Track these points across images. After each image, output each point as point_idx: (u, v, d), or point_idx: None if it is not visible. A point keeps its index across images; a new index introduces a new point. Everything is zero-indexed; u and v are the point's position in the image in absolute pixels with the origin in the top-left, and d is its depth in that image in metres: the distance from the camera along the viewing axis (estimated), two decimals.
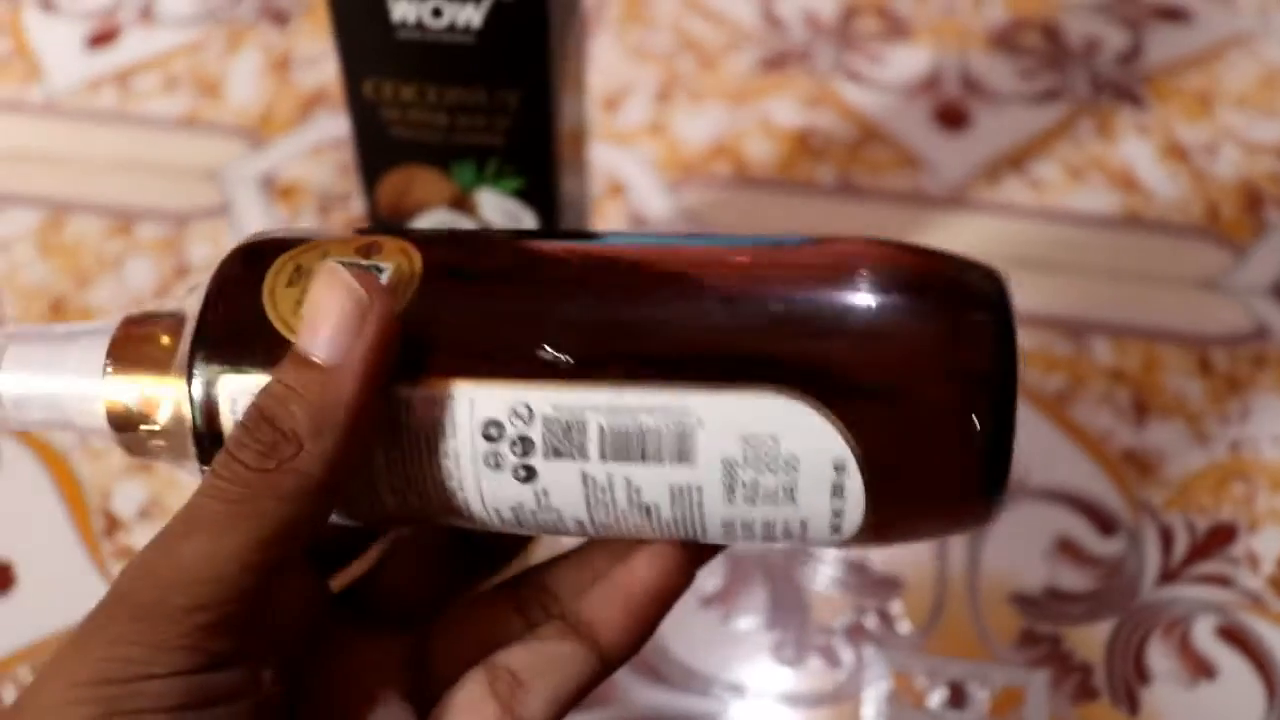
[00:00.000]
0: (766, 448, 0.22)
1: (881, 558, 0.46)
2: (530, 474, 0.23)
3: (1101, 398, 0.51)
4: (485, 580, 0.29)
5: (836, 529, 0.23)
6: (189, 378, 0.24)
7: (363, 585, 0.29)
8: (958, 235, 0.58)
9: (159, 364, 0.24)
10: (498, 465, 0.23)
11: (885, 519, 0.23)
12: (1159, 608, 0.45)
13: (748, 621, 0.44)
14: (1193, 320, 0.54)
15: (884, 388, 0.22)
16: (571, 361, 0.23)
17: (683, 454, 0.22)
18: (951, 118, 0.64)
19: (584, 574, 0.27)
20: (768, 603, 0.45)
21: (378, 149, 0.40)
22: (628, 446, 0.23)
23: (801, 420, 0.22)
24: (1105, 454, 0.49)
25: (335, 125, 0.63)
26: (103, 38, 0.68)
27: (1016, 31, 0.69)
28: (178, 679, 0.21)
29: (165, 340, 0.25)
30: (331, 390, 0.22)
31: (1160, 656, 0.43)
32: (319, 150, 0.61)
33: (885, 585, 0.45)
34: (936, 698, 0.42)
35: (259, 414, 0.22)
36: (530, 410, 0.23)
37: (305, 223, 0.58)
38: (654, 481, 0.23)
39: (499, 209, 0.40)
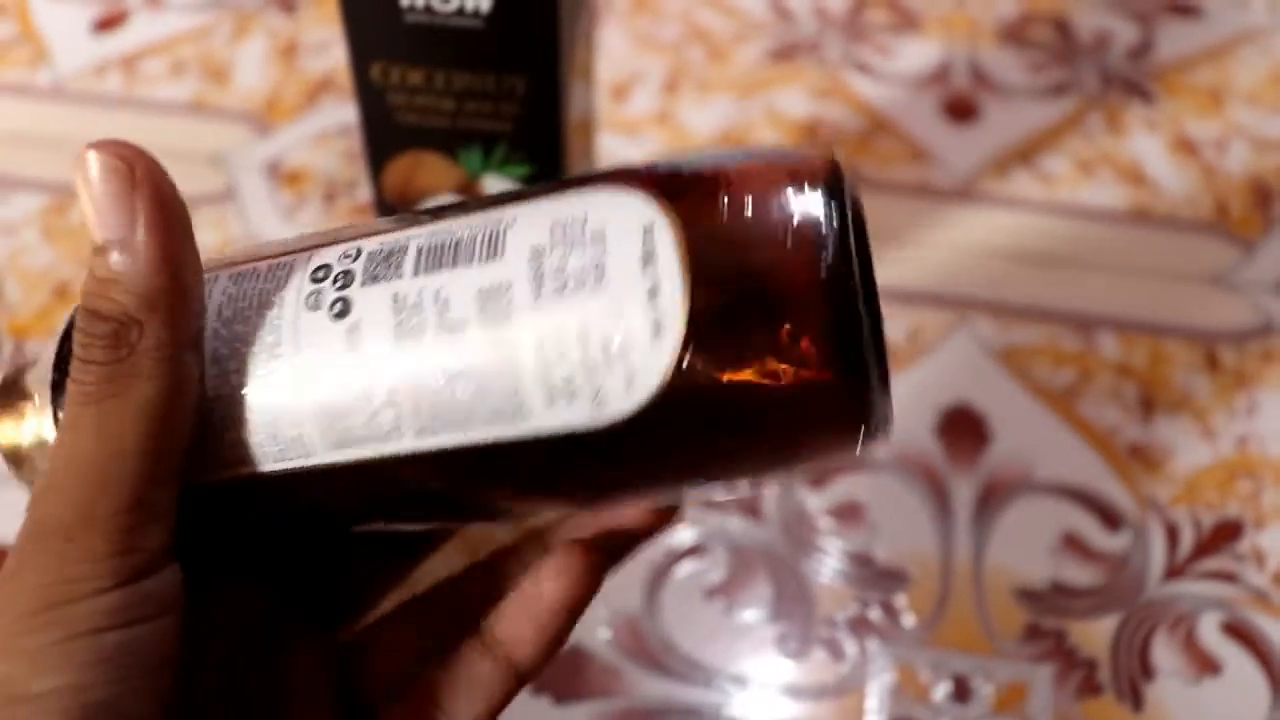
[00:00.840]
0: (575, 228, 0.22)
1: (886, 551, 0.46)
2: (345, 308, 0.22)
3: (1109, 393, 0.51)
4: (403, 575, 0.30)
5: (658, 328, 0.21)
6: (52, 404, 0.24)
7: (294, 586, 0.29)
8: (965, 228, 0.57)
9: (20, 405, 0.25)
10: (316, 305, 0.23)
11: (710, 306, 0.21)
12: (1164, 604, 0.45)
13: (752, 614, 0.44)
14: (1200, 316, 0.54)
15: (705, 177, 0.22)
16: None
17: (492, 251, 0.22)
18: (961, 110, 0.64)
19: (495, 585, 0.28)
20: (772, 595, 0.45)
21: (385, 134, 0.39)
22: (440, 257, 0.22)
23: (611, 197, 0.22)
24: (1112, 449, 0.49)
25: (342, 112, 0.62)
26: (109, 22, 0.68)
27: (1026, 25, 0.69)
28: (124, 589, 0.21)
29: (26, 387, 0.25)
30: (140, 261, 0.21)
31: (1165, 652, 0.43)
32: (325, 137, 0.61)
33: (890, 578, 0.45)
34: (940, 691, 0.42)
35: (89, 314, 0.22)
36: (359, 250, 0.23)
37: (310, 209, 0.58)
38: (463, 288, 0.22)
39: None
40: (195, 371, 0.23)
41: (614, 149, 0.61)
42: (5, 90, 0.64)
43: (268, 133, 0.62)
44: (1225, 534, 0.47)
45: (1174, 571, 0.45)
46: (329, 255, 0.23)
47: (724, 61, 0.66)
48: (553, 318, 0.21)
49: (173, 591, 0.22)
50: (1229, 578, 0.45)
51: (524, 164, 0.39)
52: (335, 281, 0.23)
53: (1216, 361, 0.52)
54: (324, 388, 0.22)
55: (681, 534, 0.46)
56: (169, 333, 0.22)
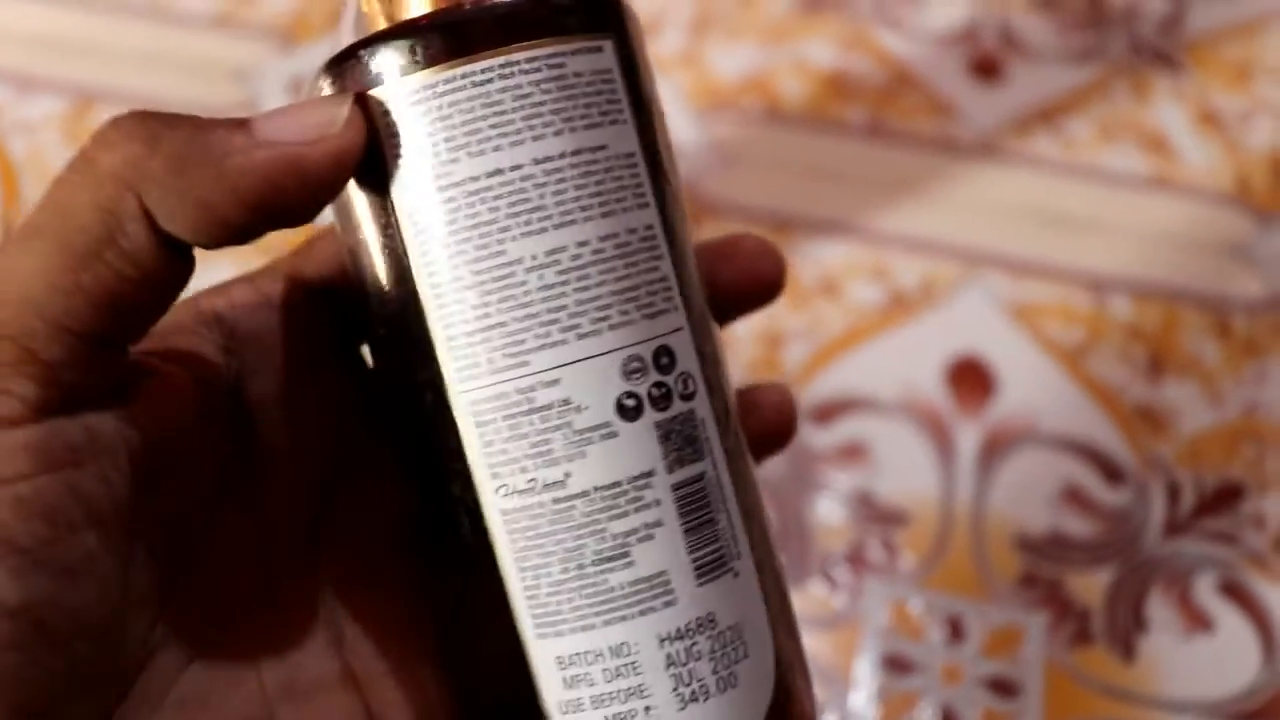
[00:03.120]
0: None
1: (888, 491, 0.46)
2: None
3: (1118, 353, 0.51)
4: None
5: None
6: None
7: None
8: (984, 184, 0.57)
9: None
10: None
11: None
12: (1162, 560, 0.45)
13: None
14: (1215, 284, 0.54)
15: None
16: None
17: None
18: (987, 69, 0.63)
19: None
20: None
21: None
22: None
23: None
24: (1118, 407, 0.49)
25: None
26: None
27: None
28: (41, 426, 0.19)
29: None
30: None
31: (1159, 607, 0.43)
32: None
33: (890, 518, 0.45)
34: (934, 631, 0.42)
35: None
36: None
37: None
38: None
39: None
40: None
41: None
42: None
43: (292, 50, 0.62)
44: (1227, 496, 0.47)
45: (1173, 529, 0.46)
46: None
47: (752, 7, 0.66)
48: None
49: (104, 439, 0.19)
50: (1228, 539, 0.45)
51: None
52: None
53: (1228, 329, 0.52)
54: None
55: None
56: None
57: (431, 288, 0.21)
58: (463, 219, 0.21)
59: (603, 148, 0.21)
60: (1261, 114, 0.62)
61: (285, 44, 0.62)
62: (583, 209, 0.21)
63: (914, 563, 0.44)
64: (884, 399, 0.49)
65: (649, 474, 0.21)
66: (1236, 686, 0.42)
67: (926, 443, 0.47)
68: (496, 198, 0.21)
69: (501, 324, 0.21)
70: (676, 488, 0.21)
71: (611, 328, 0.21)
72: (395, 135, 0.21)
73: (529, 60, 0.21)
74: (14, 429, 0.18)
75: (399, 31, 0.21)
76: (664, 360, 0.21)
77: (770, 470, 0.46)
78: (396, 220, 0.21)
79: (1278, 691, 0.42)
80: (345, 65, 0.22)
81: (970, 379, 0.49)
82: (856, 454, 0.47)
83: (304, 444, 0.23)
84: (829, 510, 0.45)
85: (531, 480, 0.21)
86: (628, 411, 0.21)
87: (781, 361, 0.50)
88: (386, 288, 0.22)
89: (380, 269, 0.22)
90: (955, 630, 0.42)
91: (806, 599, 0.43)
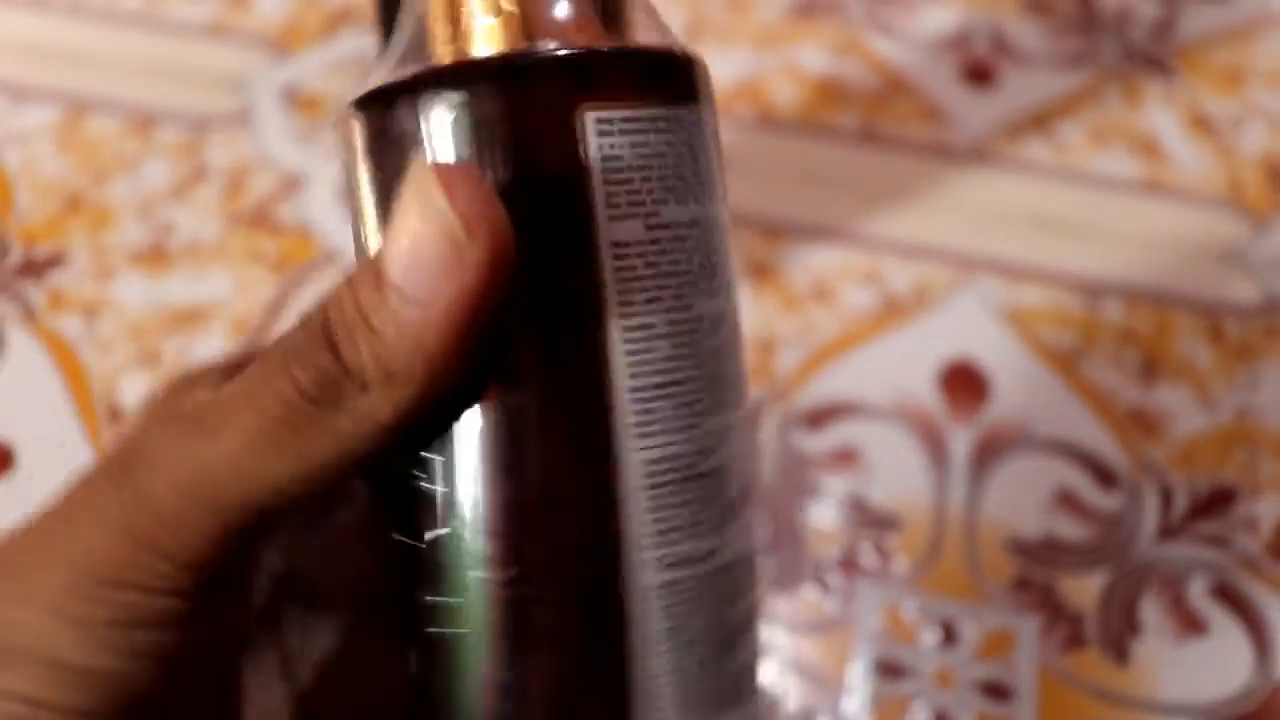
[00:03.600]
0: None
1: (881, 496, 0.46)
2: None
3: (1111, 357, 0.51)
4: None
5: None
6: None
7: None
8: (977, 189, 0.57)
9: None
10: None
11: None
12: (1155, 563, 0.45)
13: None
14: (1207, 289, 0.54)
15: None
16: None
17: None
18: (979, 74, 0.64)
19: None
20: (765, 533, 0.45)
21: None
22: None
23: None
24: (1111, 411, 0.49)
25: (361, 41, 0.62)
26: None
27: None
28: (197, 604, 0.19)
29: None
30: (409, 336, 0.18)
31: (1153, 611, 0.43)
32: (343, 65, 0.61)
33: (883, 523, 0.45)
34: (927, 635, 0.42)
35: (323, 331, 0.19)
36: None
37: (325, 135, 0.58)
38: None
39: None
40: (391, 445, 0.20)
41: None
42: (22, 2, 0.64)
43: (285, 58, 0.62)
44: (1220, 500, 0.47)
45: (1166, 532, 0.46)
46: None
47: (744, 13, 0.66)
48: None
49: (238, 631, 0.20)
50: (1221, 543, 0.45)
51: None
52: None
53: (1221, 333, 0.52)
54: None
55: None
56: (391, 416, 0.19)
57: (623, 331, 0.20)
58: (666, 264, 0.20)
59: (722, 217, 0.22)
60: (1253, 118, 0.62)
61: (278, 52, 0.62)
62: (731, 277, 0.21)
63: (907, 567, 0.44)
64: (877, 403, 0.49)
65: (755, 552, 0.21)
66: (1230, 690, 0.42)
67: (919, 447, 0.47)
68: (693, 248, 0.20)
69: (681, 381, 0.20)
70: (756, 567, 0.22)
71: (741, 397, 0.21)
72: (607, 160, 0.20)
73: (690, 114, 0.21)
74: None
75: (582, 60, 0.20)
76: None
77: (764, 472, 0.46)
78: (599, 256, 0.20)
79: (1271, 694, 0.41)
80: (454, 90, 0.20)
81: (963, 383, 0.49)
82: (849, 458, 0.47)
83: None
84: (822, 515, 0.45)
85: (693, 549, 0.20)
86: (748, 484, 0.21)
87: (774, 367, 0.50)
88: (554, 337, 0.20)
89: (550, 314, 0.20)
90: (948, 634, 0.42)
91: (799, 603, 0.43)
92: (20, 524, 0.20)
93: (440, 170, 0.18)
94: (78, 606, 0.18)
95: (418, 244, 0.18)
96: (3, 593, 0.19)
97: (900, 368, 0.50)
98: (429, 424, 0.20)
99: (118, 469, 0.19)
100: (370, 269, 0.19)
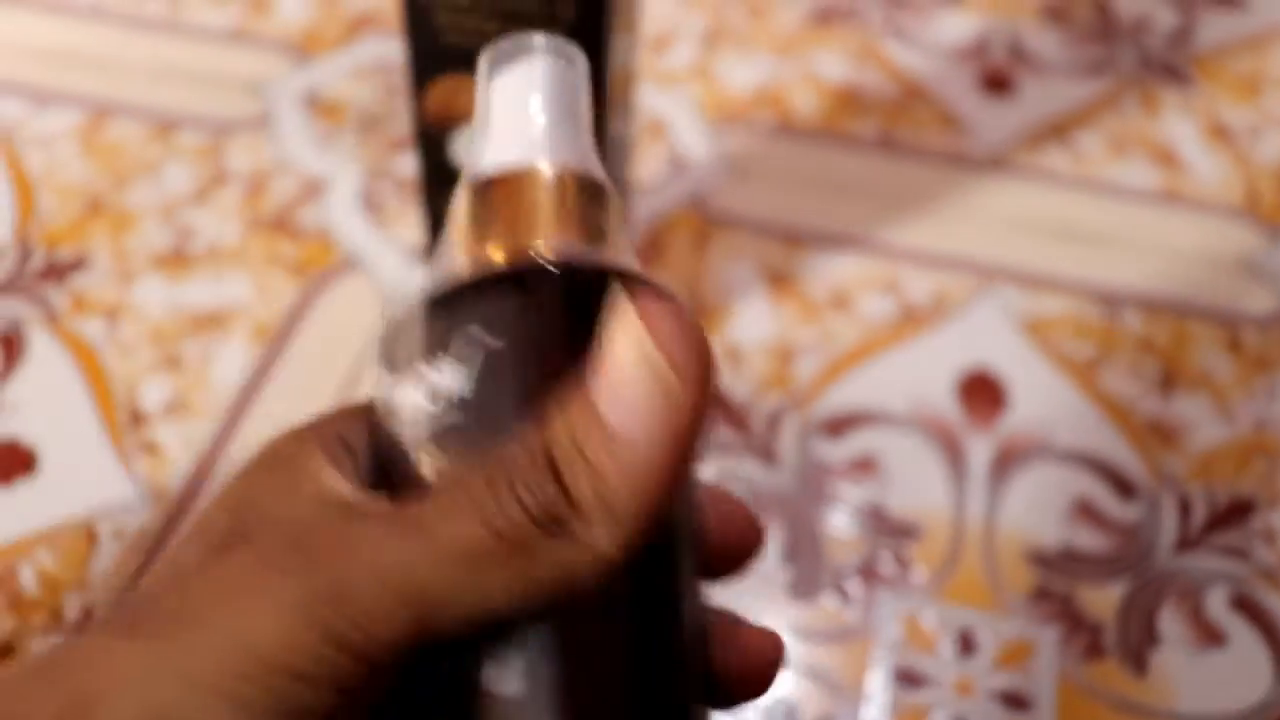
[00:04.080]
0: None
1: (900, 505, 0.46)
2: None
3: (1129, 367, 0.51)
4: None
5: None
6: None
7: None
8: (995, 197, 0.57)
9: None
10: None
11: None
12: (1173, 574, 0.45)
13: (763, 557, 0.44)
14: (1225, 298, 0.54)
15: None
16: None
17: None
18: (997, 83, 0.64)
19: None
20: (784, 539, 0.45)
21: (429, 54, 0.40)
22: None
23: None
24: (1130, 421, 0.49)
25: (381, 47, 0.63)
26: None
27: (1068, 4, 0.69)
28: (344, 698, 0.18)
29: None
30: (629, 478, 0.19)
31: (1171, 622, 0.43)
32: (363, 71, 0.61)
33: (902, 531, 0.45)
34: (946, 645, 0.43)
35: (548, 461, 0.19)
36: None
37: (344, 141, 0.58)
38: None
39: None
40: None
41: (650, 99, 0.61)
42: (45, 6, 0.64)
43: (306, 64, 0.62)
44: (1238, 510, 0.47)
45: (1185, 543, 0.46)
46: None
47: (764, 20, 0.66)
48: None
49: None
50: (1239, 554, 0.45)
51: None
52: None
53: (1239, 344, 0.52)
54: None
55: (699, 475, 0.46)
56: (615, 551, 0.19)
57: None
58: None
59: None
60: (1271, 127, 0.62)
61: (299, 57, 0.62)
62: None
63: (926, 576, 0.44)
64: (895, 412, 0.49)
65: None
66: (1248, 701, 0.42)
67: (938, 456, 0.47)
68: None
69: None
70: None
71: None
72: None
73: None
74: None
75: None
76: None
77: (782, 484, 0.46)
78: None
79: None
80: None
81: (981, 392, 0.50)
82: (868, 467, 0.47)
83: None
84: (840, 523, 0.45)
85: None
86: None
87: (792, 375, 0.50)
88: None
89: None
90: (967, 644, 0.43)
91: (818, 612, 0.43)
92: (155, 585, 0.20)
93: (644, 307, 0.19)
94: (244, 690, 0.18)
95: (633, 383, 0.19)
96: (152, 665, 0.18)
97: (919, 377, 0.50)
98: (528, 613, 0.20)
99: (289, 551, 0.19)
100: (583, 401, 0.19)
